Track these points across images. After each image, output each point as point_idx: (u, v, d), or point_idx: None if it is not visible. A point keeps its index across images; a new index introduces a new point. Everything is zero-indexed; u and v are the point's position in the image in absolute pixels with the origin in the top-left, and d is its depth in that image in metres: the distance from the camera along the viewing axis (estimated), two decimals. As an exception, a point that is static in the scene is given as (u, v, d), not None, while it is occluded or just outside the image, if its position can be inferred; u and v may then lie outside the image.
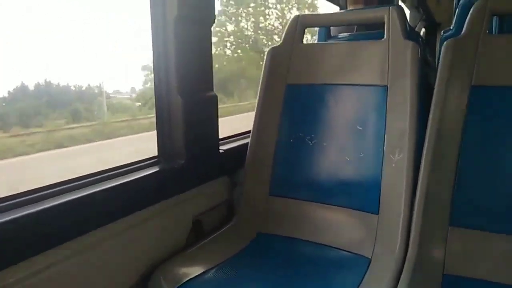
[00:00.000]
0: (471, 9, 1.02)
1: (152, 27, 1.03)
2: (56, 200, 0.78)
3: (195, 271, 0.95)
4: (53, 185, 0.84)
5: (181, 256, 1.00)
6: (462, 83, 0.99)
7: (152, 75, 1.07)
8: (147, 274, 0.95)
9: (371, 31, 1.36)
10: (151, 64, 1.06)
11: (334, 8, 2.21)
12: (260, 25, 13.20)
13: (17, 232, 0.70)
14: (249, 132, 1.27)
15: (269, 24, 13.45)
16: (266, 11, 13.55)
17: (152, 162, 1.07)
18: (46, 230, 0.75)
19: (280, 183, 1.20)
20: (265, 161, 1.21)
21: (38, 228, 0.74)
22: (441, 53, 1.01)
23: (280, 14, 13.57)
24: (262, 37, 13.27)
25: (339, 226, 1.10)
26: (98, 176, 0.93)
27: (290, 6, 13.53)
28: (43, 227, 0.74)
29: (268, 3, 13.49)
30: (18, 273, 0.69)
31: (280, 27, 12.70)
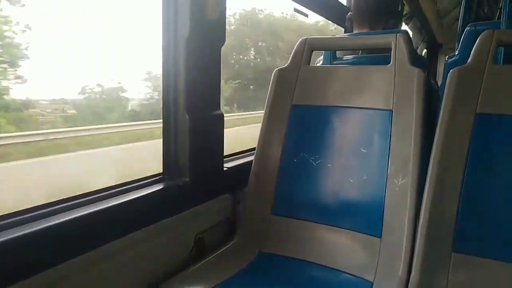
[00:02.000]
0: (478, 39, 1.03)
1: (163, 47, 1.05)
2: (59, 218, 0.79)
3: None
4: (55, 202, 0.84)
5: (183, 275, 1.00)
6: (467, 111, 1.00)
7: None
8: None
9: (377, 54, 1.38)
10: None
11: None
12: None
13: (16, 251, 0.70)
14: (253, 149, 1.27)
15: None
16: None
17: (157, 179, 1.07)
18: (46, 248, 0.75)
19: (283, 203, 1.20)
20: (269, 180, 1.21)
21: (38, 246, 0.73)
22: (447, 81, 1.02)
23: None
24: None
25: (341, 248, 1.10)
26: (104, 193, 0.93)
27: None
28: (43, 246, 0.74)
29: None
30: None
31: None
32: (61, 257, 0.76)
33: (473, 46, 1.04)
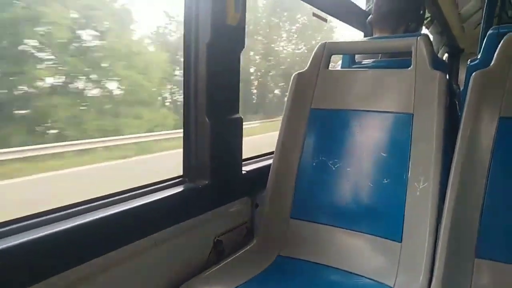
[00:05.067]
0: (501, 42, 1.02)
1: (184, 51, 1.07)
2: (80, 219, 0.80)
3: None
4: (73, 204, 0.86)
5: (201, 277, 1.01)
6: (491, 115, 0.98)
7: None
8: None
9: (396, 58, 1.37)
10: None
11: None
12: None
13: (36, 253, 0.72)
14: (272, 153, 1.28)
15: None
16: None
17: (177, 181, 1.09)
18: (67, 249, 0.76)
19: (301, 206, 1.20)
20: (287, 183, 1.21)
21: (58, 248, 0.75)
22: (470, 84, 1.01)
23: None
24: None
25: (361, 252, 1.09)
26: (125, 195, 0.95)
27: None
28: (64, 247, 0.76)
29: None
30: None
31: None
32: (82, 258, 0.78)
33: (496, 49, 1.03)
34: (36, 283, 0.70)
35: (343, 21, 2.18)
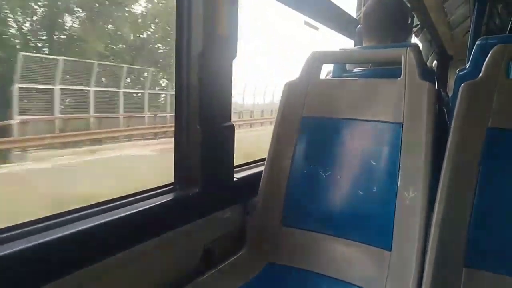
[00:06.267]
0: (490, 54, 1.04)
1: (176, 60, 1.08)
2: (66, 229, 0.79)
3: None
4: (63, 213, 0.85)
5: (192, 285, 1.01)
6: (479, 125, 1.00)
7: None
8: None
9: (387, 66, 1.39)
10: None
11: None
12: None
13: (23, 264, 0.71)
14: (263, 160, 1.28)
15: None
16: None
17: (167, 189, 1.09)
18: (53, 260, 0.76)
19: (292, 214, 1.21)
20: (278, 190, 1.22)
21: (44, 258, 0.74)
22: (458, 95, 1.02)
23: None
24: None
25: (351, 260, 1.10)
26: (114, 203, 0.95)
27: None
28: (50, 257, 0.75)
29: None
30: None
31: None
32: (66, 270, 0.77)
33: (484, 59, 1.04)
34: None
35: (334, 29, 2.20)
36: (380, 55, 1.25)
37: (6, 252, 0.69)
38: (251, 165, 1.47)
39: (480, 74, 1.03)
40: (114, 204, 0.94)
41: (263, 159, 1.28)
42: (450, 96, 1.59)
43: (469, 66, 1.40)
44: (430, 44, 4.56)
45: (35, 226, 0.79)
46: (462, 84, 1.03)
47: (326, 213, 1.17)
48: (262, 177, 1.24)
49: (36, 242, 0.72)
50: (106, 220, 0.86)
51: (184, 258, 1.08)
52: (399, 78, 1.13)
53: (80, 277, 0.78)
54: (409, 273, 0.97)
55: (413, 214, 1.01)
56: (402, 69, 1.12)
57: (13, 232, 0.76)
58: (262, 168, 1.27)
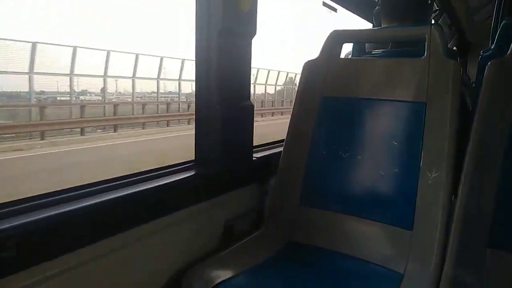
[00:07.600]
0: None
1: (196, 39, 1.08)
2: (92, 199, 0.81)
3: (225, 274, 0.96)
4: (88, 185, 0.87)
5: (212, 259, 1.02)
6: (506, 103, 0.98)
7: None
8: (179, 275, 0.97)
9: (406, 48, 1.37)
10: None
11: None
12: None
13: (50, 230, 0.73)
14: (282, 140, 1.29)
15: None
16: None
17: (189, 166, 1.10)
18: (79, 229, 0.78)
19: (311, 193, 1.21)
20: (297, 170, 1.22)
21: (71, 227, 0.76)
22: (485, 73, 1.00)
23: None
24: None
25: (370, 239, 1.10)
26: (137, 177, 0.96)
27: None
28: (76, 226, 0.77)
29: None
30: (50, 269, 0.72)
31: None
32: (91, 239, 0.79)
33: (510, 39, 1.02)
34: (49, 260, 0.71)
35: (352, 11, 2.16)
36: (403, 33, 1.22)
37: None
38: (271, 145, 1.47)
39: (508, 53, 1.00)
40: (136, 178, 0.96)
41: (282, 140, 1.28)
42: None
43: (494, 46, 1.37)
44: (450, 29, 4.45)
45: (68, 195, 0.81)
46: (489, 62, 1.00)
47: (345, 193, 1.17)
48: (281, 157, 1.24)
49: (68, 209, 0.74)
50: (129, 192, 0.87)
51: (204, 234, 1.10)
52: (422, 57, 1.11)
53: (99, 249, 0.80)
54: (430, 253, 0.97)
55: (436, 193, 1.00)
56: (426, 48, 1.10)
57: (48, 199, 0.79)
58: (281, 148, 1.27)
